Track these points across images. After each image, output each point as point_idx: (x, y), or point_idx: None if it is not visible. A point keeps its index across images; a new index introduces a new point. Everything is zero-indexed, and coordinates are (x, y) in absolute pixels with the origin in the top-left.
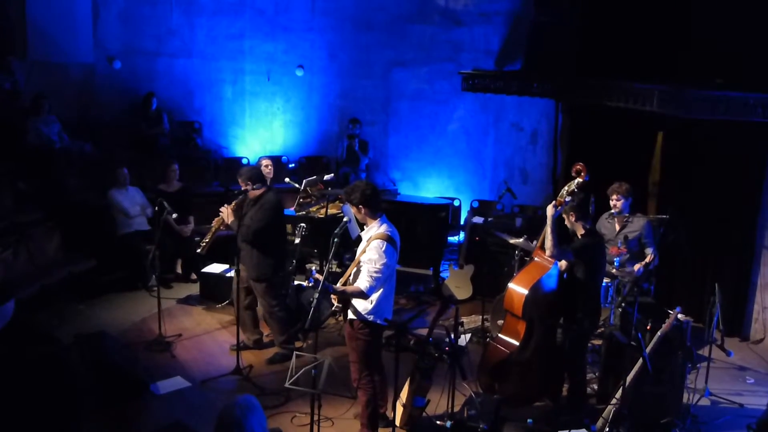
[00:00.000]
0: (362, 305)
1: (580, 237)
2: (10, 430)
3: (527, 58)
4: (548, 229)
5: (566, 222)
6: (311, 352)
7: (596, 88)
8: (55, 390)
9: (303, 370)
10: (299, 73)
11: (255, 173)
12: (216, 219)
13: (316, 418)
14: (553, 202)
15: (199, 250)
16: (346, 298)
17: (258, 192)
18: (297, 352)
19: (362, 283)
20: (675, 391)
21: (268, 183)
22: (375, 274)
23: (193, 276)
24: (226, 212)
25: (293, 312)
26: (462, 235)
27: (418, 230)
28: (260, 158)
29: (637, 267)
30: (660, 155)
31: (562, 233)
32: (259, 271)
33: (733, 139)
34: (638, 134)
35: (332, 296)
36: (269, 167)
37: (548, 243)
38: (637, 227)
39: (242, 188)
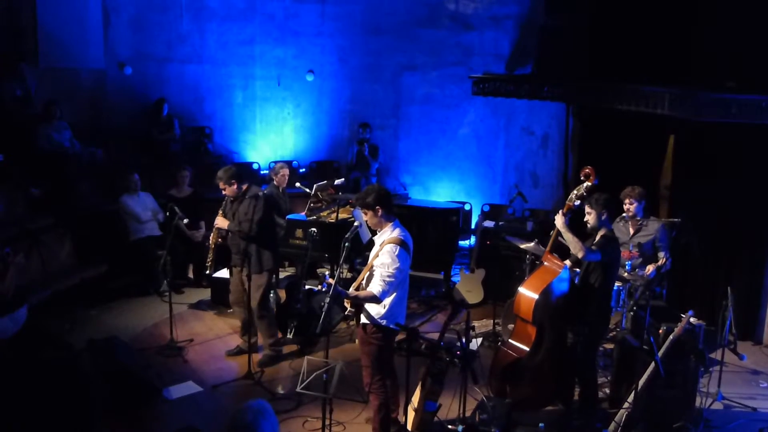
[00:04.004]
0: (375, 309)
1: (598, 238)
2: None
3: (538, 62)
4: (567, 235)
5: (591, 220)
6: (323, 357)
7: (607, 92)
8: (68, 395)
9: (314, 374)
10: (309, 78)
11: (234, 172)
12: (212, 234)
13: (327, 422)
14: (561, 209)
15: (207, 272)
16: (359, 303)
17: (242, 189)
18: (308, 357)
19: (375, 287)
20: (687, 395)
21: (281, 189)
22: (388, 279)
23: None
24: (219, 221)
25: (304, 317)
26: (473, 239)
27: (429, 234)
28: (275, 164)
29: (649, 269)
30: (671, 158)
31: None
32: (262, 263)
33: (746, 141)
34: (649, 137)
35: (345, 301)
36: (286, 176)
37: (577, 246)
38: (651, 231)
39: (224, 191)
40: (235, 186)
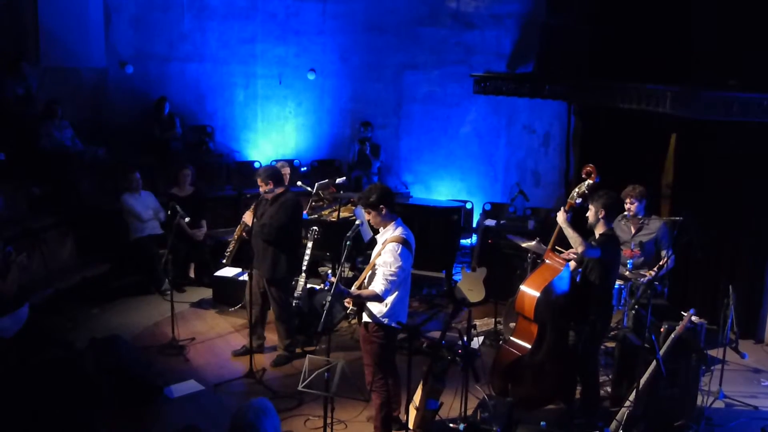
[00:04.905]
0: (377, 308)
1: (598, 236)
2: None
3: (539, 61)
4: (568, 231)
5: (590, 216)
6: (324, 356)
7: (608, 90)
8: (70, 394)
9: (316, 373)
10: (311, 76)
11: (273, 173)
12: (238, 227)
13: (329, 421)
14: (563, 207)
15: (224, 261)
16: (361, 302)
17: (277, 191)
18: (309, 355)
19: (377, 286)
20: (689, 393)
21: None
22: (390, 277)
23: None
24: (247, 215)
25: (306, 315)
26: (474, 237)
27: (431, 233)
28: (276, 162)
29: (643, 271)
30: (673, 157)
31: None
32: (275, 271)
33: (747, 140)
34: (651, 136)
35: (346, 300)
36: (288, 174)
37: (577, 242)
38: (653, 229)
39: (260, 188)
40: (272, 186)
